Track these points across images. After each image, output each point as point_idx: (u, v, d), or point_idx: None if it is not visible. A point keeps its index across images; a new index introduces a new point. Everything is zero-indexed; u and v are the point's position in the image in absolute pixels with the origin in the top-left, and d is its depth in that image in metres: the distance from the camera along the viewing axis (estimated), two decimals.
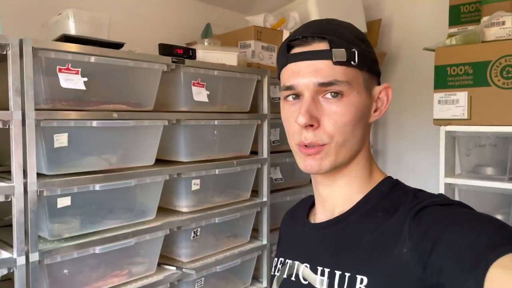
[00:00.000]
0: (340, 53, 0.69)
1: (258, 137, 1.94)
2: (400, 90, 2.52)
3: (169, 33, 2.25)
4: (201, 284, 1.71)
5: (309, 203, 0.87)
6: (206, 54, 1.73)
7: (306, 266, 0.76)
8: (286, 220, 0.95)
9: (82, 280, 1.36)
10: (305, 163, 0.73)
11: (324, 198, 0.79)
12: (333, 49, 0.69)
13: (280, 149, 2.07)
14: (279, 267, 0.84)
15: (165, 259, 1.68)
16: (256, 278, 1.99)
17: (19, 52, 1.15)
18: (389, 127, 2.61)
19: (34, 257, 1.20)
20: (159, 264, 1.60)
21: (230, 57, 1.79)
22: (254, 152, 1.95)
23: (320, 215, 0.81)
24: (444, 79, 1.78)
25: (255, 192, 1.97)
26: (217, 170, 1.73)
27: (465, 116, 1.71)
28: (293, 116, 0.72)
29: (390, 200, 0.73)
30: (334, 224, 0.76)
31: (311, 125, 0.70)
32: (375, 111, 0.76)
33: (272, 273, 0.86)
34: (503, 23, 1.72)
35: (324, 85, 0.69)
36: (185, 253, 1.68)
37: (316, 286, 0.72)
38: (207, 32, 2.34)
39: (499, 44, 1.67)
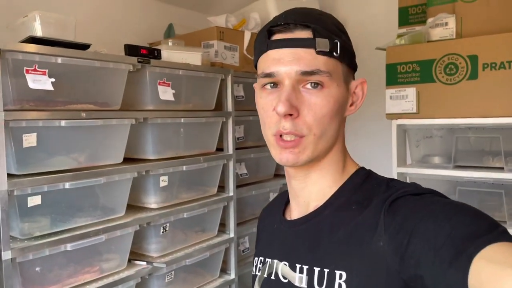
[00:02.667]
0: (323, 43, 0.68)
1: (223, 134, 2.01)
2: None
3: (132, 34, 2.27)
4: (171, 278, 1.76)
5: (285, 199, 0.85)
6: (170, 54, 1.78)
7: (285, 264, 0.75)
8: (263, 218, 0.93)
9: (54, 277, 1.38)
10: (281, 156, 0.70)
11: (297, 192, 0.78)
12: (316, 38, 0.67)
13: (245, 145, 2.15)
14: (259, 267, 0.82)
15: (136, 255, 1.72)
16: (224, 270, 2.06)
17: None
18: (346, 122, 2.75)
19: (7, 255, 1.22)
20: (129, 260, 1.63)
21: (194, 57, 1.84)
22: (219, 149, 2.02)
23: (295, 211, 0.79)
24: (394, 76, 1.91)
25: (222, 188, 2.04)
26: (184, 167, 1.79)
27: (414, 110, 1.86)
28: (271, 105, 0.70)
29: (364, 191, 0.71)
30: (309, 219, 0.74)
31: (290, 115, 0.67)
32: (351, 105, 0.75)
33: (253, 273, 0.84)
34: (446, 24, 1.87)
35: (306, 74, 0.67)
36: (155, 248, 1.72)
37: (295, 284, 0.71)
38: (169, 32, 2.38)
39: (443, 44, 1.82)
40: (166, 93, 1.69)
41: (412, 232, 0.59)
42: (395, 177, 1.95)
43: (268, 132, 0.72)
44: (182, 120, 1.78)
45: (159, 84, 1.68)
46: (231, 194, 2.03)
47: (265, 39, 0.71)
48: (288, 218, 0.81)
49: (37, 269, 1.33)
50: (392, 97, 1.90)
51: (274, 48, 0.70)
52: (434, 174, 1.82)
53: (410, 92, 1.86)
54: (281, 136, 0.70)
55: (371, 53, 2.36)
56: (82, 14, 2.00)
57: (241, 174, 2.14)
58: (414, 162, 1.98)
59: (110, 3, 2.25)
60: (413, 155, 1.99)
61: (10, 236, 1.26)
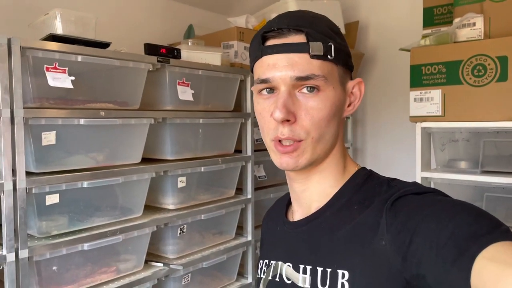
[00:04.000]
0: (317, 47, 0.68)
1: (242, 135, 1.99)
2: (378, 89, 2.61)
3: (152, 35, 2.27)
4: (188, 280, 1.73)
5: (286, 201, 0.87)
6: (190, 54, 1.76)
7: (289, 266, 0.75)
8: (266, 221, 0.94)
9: (70, 277, 1.37)
10: (280, 160, 0.71)
11: (299, 194, 0.78)
12: (310, 42, 0.68)
13: (263, 147, 2.10)
14: (264, 269, 0.83)
15: (152, 256, 1.70)
16: (241, 274, 2.03)
17: (7, 51, 1.17)
18: (368, 125, 2.69)
19: (24, 253, 1.21)
20: (146, 262, 1.62)
21: (214, 57, 1.82)
22: (238, 150, 1.99)
23: (297, 212, 0.80)
24: (419, 78, 1.86)
25: (240, 190, 2.01)
26: (202, 168, 1.76)
27: (440, 113, 1.80)
28: (268, 111, 0.71)
29: (365, 191, 0.72)
30: (311, 220, 0.75)
31: (288, 120, 0.68)
32: (349, 105, 0.75)
33: (258, 276, 0.85)
34: (474, 24, 1.80)
35: (301, 79, 0.68)
36: (172, 249, 1.70)
37: (299, 284, 0.72)
38: (189, 33, 2.37)
39: (470, 44, 1.76)
40: (185, 93, 1.68)
41: (415, 232, 0.60)
42: (419, 182, 1.89)
43: (267, 138, 0.73)
44: (201, 120, 1.76)
45: (179, 84, 1.66)
46: (249, 196, 2.00)
47: (259, 45, 0.71)
48: (291, 220, 0.82)
49: (54, 268, 1.33)
50: (416, 99, 1.84)
51: (268, 54, 0.70)
52: (461, 180, 1.76)
53: (436, 94, 1.80)
54: (279, 141, 0.70)
55: (394, 54, 2.30)
56: (103, 14, 2.01)
57: (259, 177, 2.11)
58: (439, 167, 1.91)
59: (130, 4, 2.26)
60: (438, 159, 1.92)
61: (28, 234, 1.25)
